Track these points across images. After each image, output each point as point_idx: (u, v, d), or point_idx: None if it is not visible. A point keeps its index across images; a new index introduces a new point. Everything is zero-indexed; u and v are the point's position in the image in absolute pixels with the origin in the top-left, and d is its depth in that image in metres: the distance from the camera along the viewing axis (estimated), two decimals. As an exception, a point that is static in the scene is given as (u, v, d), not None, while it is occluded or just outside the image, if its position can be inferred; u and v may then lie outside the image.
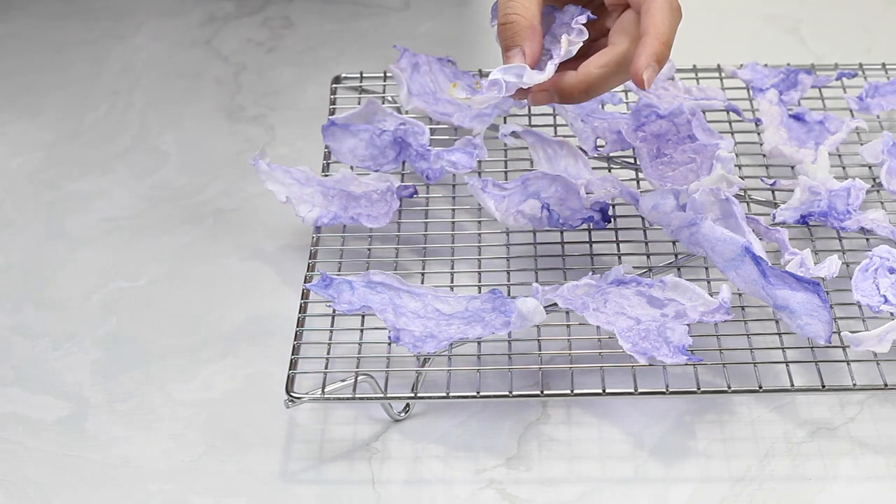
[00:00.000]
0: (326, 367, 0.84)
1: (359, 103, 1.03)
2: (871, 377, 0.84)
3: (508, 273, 0.91)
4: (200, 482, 0.82)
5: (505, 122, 1.02)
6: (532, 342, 0.86)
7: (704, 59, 1.07)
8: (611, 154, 1.00)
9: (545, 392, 0.84)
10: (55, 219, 1.01)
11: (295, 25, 1.19)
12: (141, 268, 0.96)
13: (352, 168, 0.98)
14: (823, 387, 0.82)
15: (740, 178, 0.94)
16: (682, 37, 1.17)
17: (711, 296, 0.85)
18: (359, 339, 0.86)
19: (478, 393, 0.83)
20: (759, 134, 1.01)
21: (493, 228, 0.94)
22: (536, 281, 0.88)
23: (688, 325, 0.83)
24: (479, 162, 0.98)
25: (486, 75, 0.85)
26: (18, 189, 1.03)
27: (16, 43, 1.18)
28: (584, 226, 0.93)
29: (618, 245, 0.93)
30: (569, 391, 0.83)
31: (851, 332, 0.83)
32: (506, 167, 1.00)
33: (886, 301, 0.84)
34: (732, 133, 1.01)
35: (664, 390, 0.82)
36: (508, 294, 0.89)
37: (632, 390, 0.82)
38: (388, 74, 1.06)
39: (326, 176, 0.98)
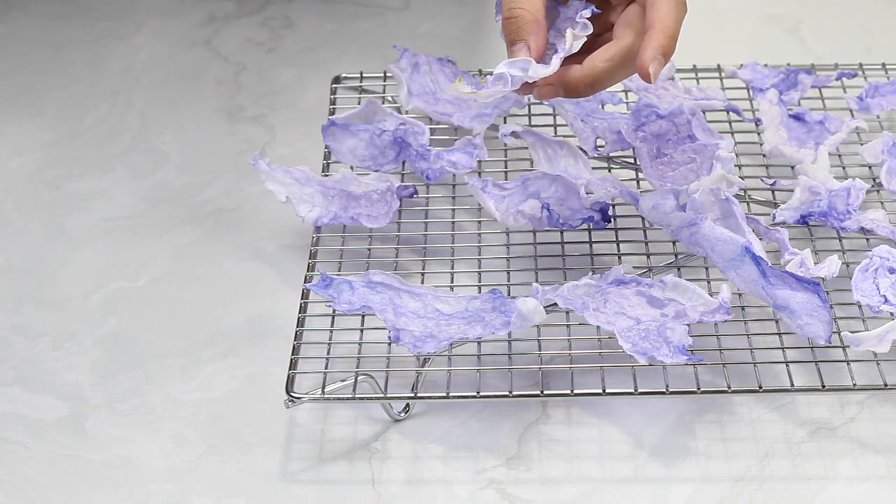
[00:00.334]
0: (326, 367, 0.84)
1: (359, 103, 1.03)
2: (871, 377, 0.84)
3: (508, 273, 0.91)
4: (200, 482, 0.82)
5: (505, 122, 1.02)
6: (532, 342, 0.86)
7: (704, 59, 1.07)
8: (611, 154, 1.00)
9: (545, 392, 0.84)
10: (55, 219, 1.01)
11: (295, 25, 1.19)
12: (141, 268, 0.96)
13: (352, 168, 0.98)
14: (823, 387, 0.82)
15: (740, 178, 0.94)
16: (682, 37, 1.16)
17: (711, 296, 0.85)
18: (359, 339, 0.86)
19: (478, 393, 0.83)
20: (759, 134, 1.01)
21: (493, 228, 0.94)
22: (536, 281, 0.88)
23: (688, 325, 0.83)
24: (479, 162, 0.98)
25: (487, 75, 0.85)
26: (18, 189, 1.03)
27: (16, 43, 1.18)
28: (584, 226, 0.93)
29: (618, 245, 0.93)
30: (569, 391, 0.83)
31: (851, 332, 0.83)
32: (506, 167, 1.00)
33: (886, 301, 0.84)
34: (732, 133, 1.01)
35: (664, 390, 0.82)
36: (508, 294, 0.89)
37: (632, 390, 0.82)
38: (388, 74, 1.06)
39: (326, 176, 0.98)
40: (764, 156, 0.99)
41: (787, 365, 0.83)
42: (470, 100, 1.02)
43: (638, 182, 0.98)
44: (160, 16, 1.21)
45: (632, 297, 0.86)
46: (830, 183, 0.94)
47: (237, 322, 0.92)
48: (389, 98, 1.06)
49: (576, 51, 0.84)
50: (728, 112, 1.02)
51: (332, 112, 1.04)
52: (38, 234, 0.99)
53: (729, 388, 0.82)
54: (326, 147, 0.99)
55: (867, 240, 0.92)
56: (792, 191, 0.95)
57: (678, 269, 0.90)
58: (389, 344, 0.85)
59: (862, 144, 0.98)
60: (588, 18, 0.84)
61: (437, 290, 0.87)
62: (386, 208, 0.94)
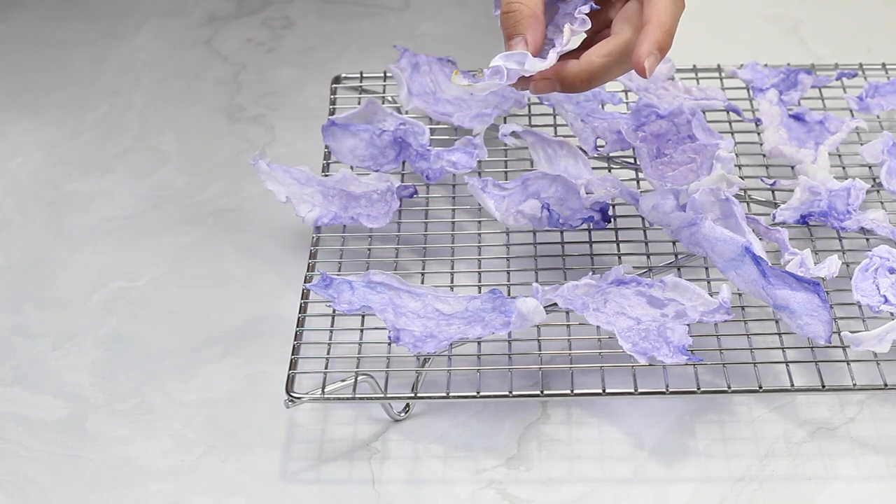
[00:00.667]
0: (326, 367, 0.84)
1: (359, 103, 1.03)
2: (871, 377, 0.84)
3: (508, 273, 0.91)
4: (200, 482, 0.82)
5: (505, 122, 1.02)
6: (532, 342, 0.86)
7: (704, 59, 1.07)
8: (611, 154, 1.00)
9: (545, 392, 0.84)
10: (55, 219, 1.01)
11: (295, 25, 1.19)
12: (141, 268, 0.96)
13: (352, 168, 0.98)
14: (823, 387, 0.82)
15: (740, 178, 0.94)
16: (682, 37, 1.17)
17: (711, 296, 0.85)
18: (359, 339, 0.86)
19: (478, 393, 0.83)
20: (759, 134, 1.01)
21: (493, 228, 0.94)
22: (536, 281, 0.88)
23: (688, 325, 0.83)
24: (479, 162, 0.98)
25: (484, 69, 0.85)
26: (18, 189, 1.03)
27: (16, 43, 1.18)
28: (584, 226, 0.93)
29: (618, 245, 0.93)
30: (569, 391, 0.83)
31: (851, 332, 0.83)
32: (506, 167, 1.00)
33: (886, 301, 0.84)
34: (732, 133, 1.01)
35: (664, 390, 0.82)
36: (508, 294, 0.89)
37: (632, 390, 0.82)
38: (388, 74, 1.06)
39: (326, 176, 0.98)
40: (764, 156, 0.99)
41: (787, 365, 0.83)
42: (470, 99, 1.02)
43: (638, 182, 0.98)
44: (160, 16, 1.21)
45: (632, 297, 0.86)
46: (830, 183, 0.94)
47: (237, 322, 0.92)
48: (389, 98, 1.06)
49: (574, 47, 0.84)
50: (728, 112, 1.02)
51: (332, 112, 1.04)
52: (38, 234, 0.99)
53: (729, 388, 0.82)
54: (326, 147, 0.99)
55: (867, 240, 0.92)
56: (792, 191, 0.95)
57: (678, 269, 0.90)
58: (389, 344, 0.85)
59: (862, 144, 0.98)
60: (587, 14, 0.84)
61: (437, 290, 0.87)
62: (386, 208, 0.94)
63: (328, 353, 0.85)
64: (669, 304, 0.85)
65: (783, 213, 0.93)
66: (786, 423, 0.84)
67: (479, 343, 0.85)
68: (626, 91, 1.04)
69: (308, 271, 0.91)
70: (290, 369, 0.83)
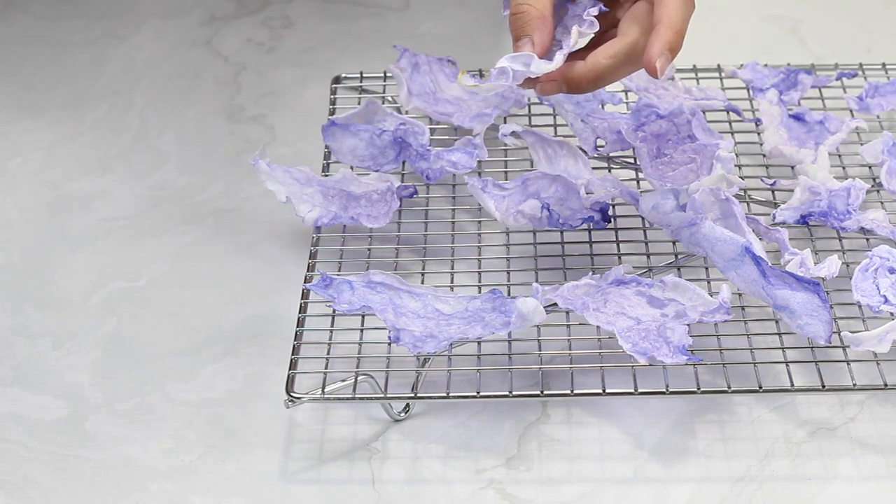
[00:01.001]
0: (326, 367, 0.84)
1: (359, 103, 1.03)
2: (871, 377, 0.84)
3: (508, 273, 0.91)
4: (200, 482, 0.82)
5: (505, 122, 1.02)
6: (532, 342, 0.86)
7: (704, 59, 1.07)
8: (611, 154, 1.00)
9: (545, 392, 0.84)
10: (55, 219, 1.01)
11: (295, 25, 1.19)
12: (141, 268, 0.96)
13: (352, 168, 0.98)
14: (823, 387, 0.82)
15: (740, 178, 0.94)
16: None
17: (711, 296, 0.85)
18: (359, 339, 0.86)
19: (478, 393, 0.83)
20: (759, 134, 1.01)
21: (493, 228, 0.94)
22: (536, 281, 0.88)
23: (688, 325, 0.83)
24: (479, 162, 0.98)
25: (491, 69, 0.85)
26: (18, 189, 1.03)
27: (16, 43, 1.18)
28: (584, 226, 0.93)
29: (618, 245, 0.93)
30: (569, 391, 0.83)
31: (851, 332, 0.83)
32: (506, 167, 1.00)
33: (886, 301, 0.84)
34: (732, 133, 1.01)
35: (664, 390, 0.82)
36: (508, 294, 0.89)
37: (632, 390, 0.82)
38: (388, 74, 1.06)
39: (326, 176, 0.98)
40: (764, 156, 0.99)
41: (787, 365, 0.83)
42: (470, 99, 1.02)
43: (638, 182, 0.98)
44: (160, 16, 1.21)
45: (632, 297, 0.86)
46: (830, 183, 0.94)
47: (237, 322, 0.92)
48: (389, 98, 1.06)
49: (581, 47, 0.84)
50: (728, 112, 1.02)
51: (332, 112, 1.04)
52: (38, 234, 0.99)
53: (729, 388, 0.82)
54: (326, 147, 0.99)
55: (867, 240, 0.92)
56: (792, 191, 0.95)
57: (678, 269, 0.90)
58: (389, 344, 0.85)
59: (862, 144, 0.98)
60: (595, 16, 0.84)
61: (437, 290, 0.87)
62: (386, 208, 0.94)
63: (328, 353, 0.85)
64: (669, 304, 0.85)
65: (783, 213, 0.93)
66: (786, 423, 0.84)
67: (479, 343, 0.85)
68: (626, 91, 1.04)
69: (308, 271, 0.91)
70: (290, 369, 0.83)
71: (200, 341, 0.91)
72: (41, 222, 1.00)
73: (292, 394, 0.81)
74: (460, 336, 0.83)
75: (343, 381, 0.82)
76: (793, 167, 0.97)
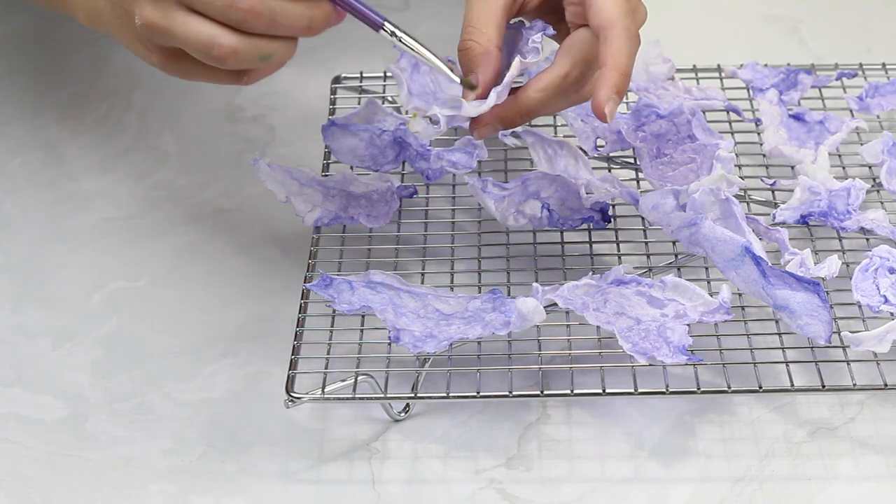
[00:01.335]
0: (326, 367, 0.84)
1: (359, 103, 1.03)
2: (871, 377, 0.84)
3: (508, 273, 0.91)
4: (200, 482, 0.82)
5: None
6: (532, 342, 0.86)
7: (704, 59, 1.07)
8: (611, 154, 1.00)
9: (545, 392, 0.84)
10: (55, 219, 1.01)
11: (295, 25, 1.19)
12: (141, 268, 0.96)
13: (352, 168, 0.98)
14: (823, 387, 0.82)
15: (740, 178, 0.94)
16: (683, 37, 1.17)
17: (711, 296, 0.85)
18: (359, 339, 0.86)
19: (478, 393, 0.83)
20: (759, 134, 1.01)
21: (493, 228, 0.94)
22: (536, 281, 0.88)
23: (688, 325, 0.83)
24: (479, 162, 0.98)
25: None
26: (18, 189, 1.03)
27: (16, 43, 1.18)
28: (584, 226, 0.93)
29: (618, 245, 0.93)
30: (569, 391, 0.83)
31: (851, 332, 0.83)
32: (506, 167, 1.00)
33: (886, 301, 0.85)
34: (732, 133, 1.01)
35: (664, 390, 0.82)
36: (508, 294, 0.89)
37: (632, 390, 0.82)
38: (388, 74, 1.06)
39: (326, 176, 0.98)
40: (764, 156, 0.99)
41: (787, 365, 0.83)
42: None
43: (638, 182, 0.98)
44: (160, 16, 1.21)
45: (632, 297, 0.86)
46: (830, 183, 0.94)
47: (237, 322, 0.92)
48: (389, 98, 1.06)
49: (522, 77, 0.83)
50: (728, 112, 1.02)
51: (332, 112, 1.04)
52: (38, 234, 0.99)
53: (729, 388, 0.82)
54: (326, 147, 0.99)
55: (867, 240, 0.92)
56: (792, 191, 0.95)
57: (678, 269, 0.90)
58: (389, 344, 0.85)
59: (862, 144, 0.98)
60: (540, 42, 0.83)
61: (437, 290, 0.87)
62: (386, 208, 0.94)
63: (328, 353, 0.85)
64: (669, 304, 0.85)
65: (783, 213, 0.93)
66: (786, 423, 0.84)
67: (479, 343, 0.85)
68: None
69: (308, 271, 0.91)
70: (290, 369, 0.83)
71: (200, 341, 0.91)
72: (41, 222, 1.00)
73: (292, 394, 0.81)
74: (460, 336, 0.83)
75: (343, 381, 0.82)
76: (793, 167, 0.97)
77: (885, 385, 0.82)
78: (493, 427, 0.85)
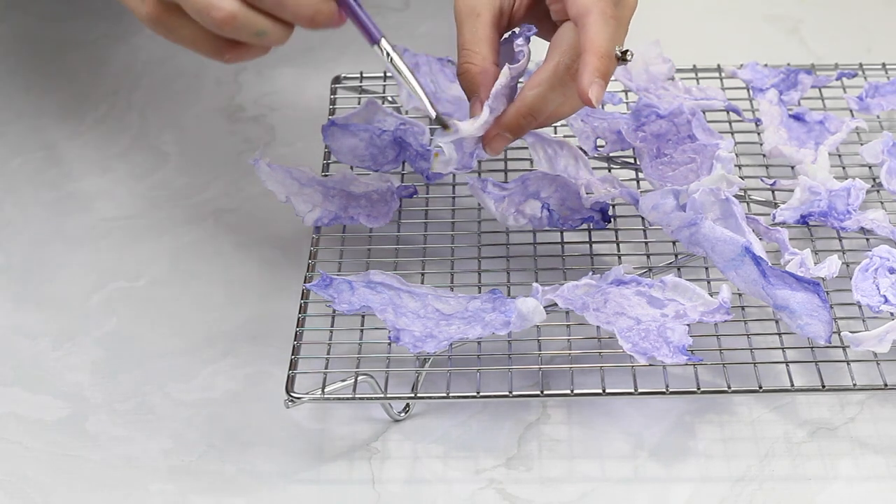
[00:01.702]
0: (326, 367, 0.84)
1: (359, 103, 1.03)
2: (871, 377, 0.84)
3: (508, 273, 0.91)
4: (200, 482, 0.82)
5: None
6: (532, 342, 0.86)
7: (704, 59, 1.07)
8: (611, 154, 1.00)
9: (545, 392, 0.84)
10: (55, 219, 1.01)
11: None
12: (141, 268, 0.96)
13: (352, 168, 0.98)
14: (823, 387, 0.82)
15: (740, 178, 0.94)
16: (682, 37, 1.17)
17: (711, 296, 0.85)
18: (359, 339, 0.86)
19: (478, 393, 0.83)
20: (759, 134, 1.01)
21: (493, 228, 0.94)
22: (536, 281, 0.88)
23: (688, 325, 0.83)
24: (479, 162, 0.98)
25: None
26: (18, 189, 1.03)
27: (16, 43, 1.18)
28: (584, 226, 0.93)
29: (618, 245, 0.93)
30: (569, 391, 0.83)
31: (851, 332, 0.83)
32: (506, 167, 1.00)
33: (886, 301, 0.85)
34: (732, 133, 1.01)
35: (664, 390, 0.82)
36: (508, 294, 0.89)
37: (632, 390, 0.82)
38: (388, 74, 1.06)
39: (326, 176, 0.98)
40: (764, 156, 0.99)
41: (787, 365, 0.83)
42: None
43: (638, 182, 0.98)
44: (160, 16, 1.21)
45: (632, 297, 0.86)
46: (830, 183, 0.94)
47: (237, 322, 0.92)
48: (389, 98, 1.06)
49: (514, 83, 0.84)
50: (728, 112, 1.02)
51: (332, 112, 1.04)
52: (38, 234, 0.99)
53: (729, 388, 0.82)
54: (326, 147, 0.99)
55: (867, 240, 0.92)
56: (792, 191, 0.95)
57: (678, 269, 0.90)
58: (389, 344, 0.85)
59: (862, 144, 0.98)
60: (527, 40, 0.83)
61: (437, 290, 0.87)
62: (386, 208, 0.94)
63: (328, 353, 0.85)
64: (669, 304, 0.85)
65: (783, 213, 0.93)
66: (786, 423, 0.84)
67: (479, 343, 0.85)
68: (626, 91, 1.04)
69: (308, 271, 0.91)
70: (290, 369, 0.83)
71: (200, 341, 0.91)
72: (41, 222, 1.00)
73: (292, 394, 0.81)
74: (460, 336, 0.83)
75: (343, 381, 0.82)
76: (793, 167, 0.97)
77: (885, 385, 0.82)
78: (493, 427, 0.85)
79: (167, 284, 0.95)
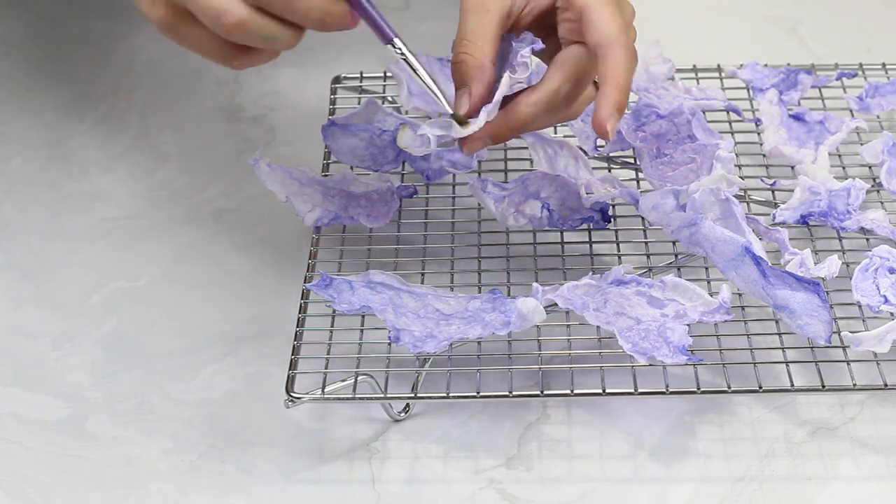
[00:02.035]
0: (326, 367, 0.84)
1: (359, 103, 1.03)
2: (871, 377, 0.84)
3: (508, 273, 0.91)
4: (200, 482, 0.82)
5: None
6: (532, 342, 0.86)
7: (704, 59, 1.07)
8: (611, 154, 1.00)
9: (545, 392, 0.84)
10: (55, 219, 1.01)
11: (295, 25, 1.19)
12: (141, 268, 0.96)
13: (352, 168, 0.98)
14: (823, 387, 0.82)
15: (740, 178, 0.94)
16: (682, 37, 1.17)
17: (711, 296, 0.85)
18: (359, 339, 0.86)
19: (478, 393, 0.83)
20: (759, 134, 1.01)
21: (493, 228, 0.94)
22: (536, 281, 0.88)
23: (688, 325, 0.83)
24: (479, 162, 0.98)
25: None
26: (18, 189, 1.03)
27: (16, 43, 1.18)
28: (584, 226, 0.93)
29: (618, 245, 0.93)
30: (569, 391, 0.83)
31: (851, 332, 0.83)
32: (506, 167, 1.00)
33: (886, 301, 0.85)
34: (732, 133, 1.01)
35: (664, 390, 0.82)
36: (508, 294, 0.89)
37: (632, 390, 0.82)
38: (388, 74, 1.06)
39: (326, 176, 0.98)
40: (764, 156, 0.99)
41: (787, 365, 0.83)
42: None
43: (638, 182, 0.98)
44: (160, 16, 1.21)
45: (632, 297, 0.86)
46: (830, 183, 0.94)
47: (237, 322, 0.92)
48: (389, 98, 1.06)
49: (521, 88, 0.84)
50: (728, 112, 1.02)
51: (332, 112, 1.04)
52: (38, 234, 0.99)
53: (729, 388, 0.82)
54: (326, 147, 0.99)
55: (867, 240, 0.92)
56: (792, 191, 0.95)
57: (678, 269, 0.90)
58: (389, 344, 0.85)
59: (862, 144, 0.98)
60: (534, 53, 0.83)
61: (437, 290, 0.87)
62: (386, 208, 0.94)
63: (328, 353, 0.85)
64: (669, 304, 0.85)
65: (783, 213, 0.93)
66: (786, 423, 0.84)
67: (479, 343, 0.85)
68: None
69: (308, 271, 0.91)
70: (290, 369, 0.83)
71: (200, 341, 0.91)
72: (41, 222, 1.00)
73: (292, 394, 0.81)
74: (460, 336, 0.83)
75: (343, 381, 0.82)
76: (793, 167, 0.97)
77: (885, 385, 0.82)
78: (493, 427, 0.85)
79: (167, 284, 0.95)
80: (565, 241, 0.93)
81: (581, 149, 0.97)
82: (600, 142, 0.98)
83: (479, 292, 0.89)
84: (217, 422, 0.85)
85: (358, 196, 0.95)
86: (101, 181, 1.04)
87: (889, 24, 1.18)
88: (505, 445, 0.84)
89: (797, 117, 1.00)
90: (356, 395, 0.82)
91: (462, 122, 0.82)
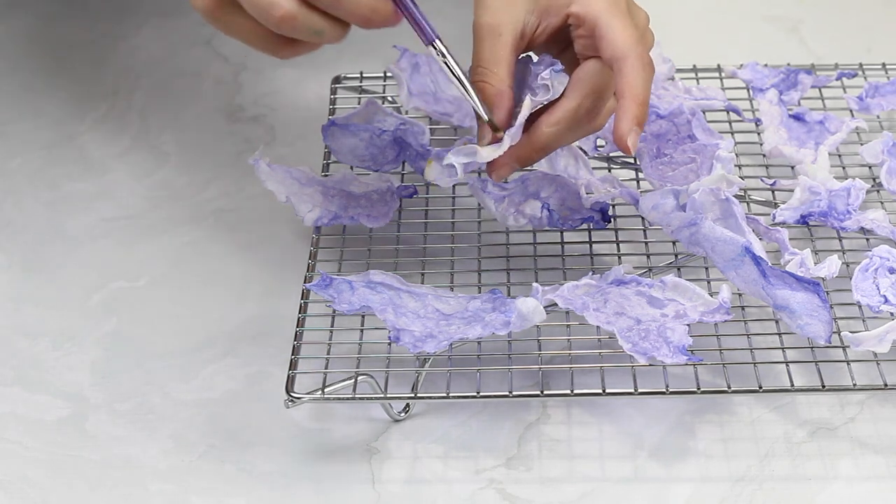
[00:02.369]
0: (326, 367, 0.84)
1: (359, 103, 1.03)
2: (871, 377, 0.84)
3: (508, 273, 0.91)
4: (200, 482, 0.82)
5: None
6: (532, 342, 0.86)
7: (704, 59, 1.07)
8: (611, 154, 1.00)
9: (545, 392, 0.84)
10: (55, 219, 1.01)
11: (295, 25, 1.19)
12: (141, 268, 0.96)
13: (352, 168, 0.98)
14: (823, 387, 0.82)
15: (740, 178, 0.94)
16: (682, 37, 1.17)
17: (711, 296, 0.85)
18: (359, 339, 0.86)
19: (478, 393, 0.83)
20: (759, 134, 1.01)
21: (493, 228, 0.94)
22: (536, 281, 0.88)
23: (688, 325, 0.83)
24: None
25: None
26: (18, 189, 1.03)
27: (16, 43, 1.18)
28: (584, 226, 0.93)
29: (618, 245, 0.93)
30: (569, 391, 0.83)
31: (851, 332, 0.83)
32: (506, 167, 1.00)
33: (886, 301, 0.85)
34: (732, 133, 1.01)
35: (664, 390, 0.82)
36: (508, 294, 0.89)
37: (632, 390, 0.82)
38: (388, 74, 1.06)
39: (326, 176, 0.98)
40: (764, 156, 0.99)
41: (787, 365, 0.83)
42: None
43: (638, 182, 0.98)
44: (160, 16, 1.21)
45: (632, 297, 0.86)
46: (830, 183, 0.94)
47: (237, 322, 0.92)
48: (389, 98, 1.06)
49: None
50: (728, 112, 1.02)
51: (332, 112, 1.04)
52: (38, 234, 0.99)
53: (729, 388, 0.82)
54: (326, 147, 0.99)
55: (867, 240, 0.92)
56: (792, 191, 0.95)
57: (678, 269, 0.91)
58: (389, 344, 0.85)
59: (862, 144, 0.98)
60: (548, 79, 0.83)
61: (437, 290, 0.87)
62: (386, 208, 0.94)
63: (328, 353, 0.85)
64: (669, 304, 0.85)
65: (783, 213, 0.93)
66: (786, 423, 0.84)
67: (479, 343, 0.85)
68: (626, 91, 1.04)
69: (308, 271, 0.91)
70: (290, 369, 0.83)
71: (200, 341, 0.91)
72: (41, 222, 1.00)
73: (292, 394, 0.81)
74: (460, 336, 0.83)
75: (343, 381, 0.82)
76: (793, 167, 0.97)
77: (885, 385, 0.82)
78: (493, 427, 0.85)
79: (167, 284, 0.95)
80: (565, 241, 0.93)
81: (581, 149, 0.97)
82: (600, 142, 0.98)
83: (479, 292, 0.89)
84: (217, 422, 0.85)
85: (358, 196, 0.95)
86: (101, 181, 1.04)
87: (889, 24, 1.18)
88: (505, 445, 0.84)
89: (797, 117, 1.00)
90: (356, 395, 0.82)
91: (497, 127, 0.82)
